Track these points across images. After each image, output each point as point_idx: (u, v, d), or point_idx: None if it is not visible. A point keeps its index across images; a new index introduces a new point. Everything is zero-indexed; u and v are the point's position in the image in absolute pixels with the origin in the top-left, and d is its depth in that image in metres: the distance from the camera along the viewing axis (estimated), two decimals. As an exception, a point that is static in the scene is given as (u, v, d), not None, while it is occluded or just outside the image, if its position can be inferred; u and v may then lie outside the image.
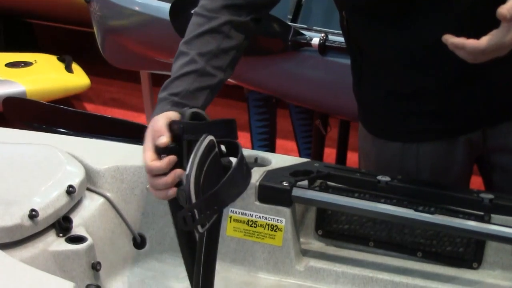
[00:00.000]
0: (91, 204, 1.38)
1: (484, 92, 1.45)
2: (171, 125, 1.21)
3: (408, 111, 1.49)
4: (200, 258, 1.19)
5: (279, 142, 2.87)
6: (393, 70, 1.47)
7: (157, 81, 3.25)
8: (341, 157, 2.69)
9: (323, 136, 2.59)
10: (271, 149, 2.76)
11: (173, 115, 1.25)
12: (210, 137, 1.14)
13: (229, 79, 2.69)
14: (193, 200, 1.08)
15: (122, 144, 1.52)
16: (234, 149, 1.17)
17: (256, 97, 2.78)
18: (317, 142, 2.61)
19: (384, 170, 1.48)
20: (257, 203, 1.41)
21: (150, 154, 1.21)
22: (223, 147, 1.19)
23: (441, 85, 1.45)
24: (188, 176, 1.09)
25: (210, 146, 1.14)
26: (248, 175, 1.18)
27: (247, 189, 1.37)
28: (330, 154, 2.85)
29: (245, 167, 1.15)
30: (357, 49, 1.51)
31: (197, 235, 1.16)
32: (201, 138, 1.13)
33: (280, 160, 1.50)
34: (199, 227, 1.10)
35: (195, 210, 1.08)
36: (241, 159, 1.13)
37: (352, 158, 2.96)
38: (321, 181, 1.46)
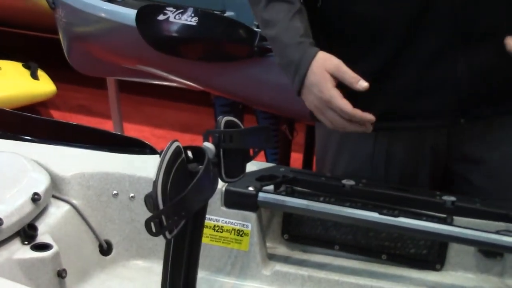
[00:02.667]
0: (57, 211, 1.38)
1: (463, 73, 1.43)
2: (208, 135, 1.23)
3: (383, 90, 1.46)
4: (166, 265, 1.20)
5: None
6: (370, 46, 1.46)
7: (124, 87, 3.26)
8: (308, 162, 2.71)
9: (289, 141, 2.62)
10: (238, 154, 2.77)
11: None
12: (177, 143, 1.15)
13: (195, 85, 2.71)
14: (161, 206, 1.09)
15: (87, 151, 1.52)
16: (201, 155, 1.18)
17: (223, 102, 2.79)
18: (284, 147, 2.63)
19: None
20: (223, 208, 1.42)
21: (346, 101, 1.37)
22: (190, 153, 1.20)
23: (420, 59, 1.44)
24: (155, 182, 1.09)
25: (177, 152, 1.15)
26: (215, 181, 1.19)
27: (214, 195, 1.40)
28: (297, 159, 2.87)
29: (211, 173, 1.16)
30: (328, 35, 1.51)
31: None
32: (168, 144, 1.14)
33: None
34: (166, 233, 1.10)
35: (163, 216, 1.08)
36: (208, 164, 1.14)
37: (319, 163, 2.98)
38: (287, 185, 1.47)
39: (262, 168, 1.51)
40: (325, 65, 1.40)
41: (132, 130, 3.48)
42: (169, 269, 1.19)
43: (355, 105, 1.38)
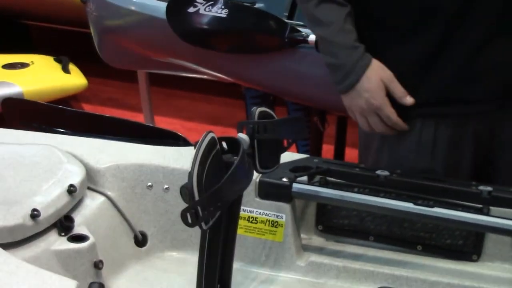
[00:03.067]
0: (92, 203, 1.39)
1: (508, 61, 1.46)
2: (242, 126, 1.25)
3: (431, 77, 1.49)
4: (202, 255, 1.20)
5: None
6: (418, 32, 1.47)
7: (154, 80, 3.28)
8: (339, 154, 2.70)
9: (321, 132, 2.60)
10: (270, 146, 2.77)
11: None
12: (212, 134, 1.15)
13: (226, 77, 2.71)
14: (196, 197, 1.09)
15: (121, 143, 1.53)
16: (236, 146, 1.18)
17: (253, 94, 2.79)
18: (315, 139, 2.62)
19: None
20: (258, 199, 1.42)
21: (393, 110, 1.48)
22: (224, 144, 1.20)
23: (467, 45, 1.46)
24: (191, 173, 1.10)
25: (212, 143, 1.15)
26: (250, 172, 1.19)
27: (247, 185, 1.40)
28: (328, 150, 2.86)
29: (246, 164, 1.16)
30: (374, 22, 1.53)
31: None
32: (203, 135, 1.14)
33: (279, 156, 1.50)
34: (202, 224, 1.10)
35: (198, 207, 1.08)
36: (243, 155, 1.14)
37: (350, 154, 2.97)
38: (321, 176, 1.47)
39: (295, 159, 1.50)
40: (380, 74, 1.48)
41: (162, 123, 3.50)
42: (205, 260, 1.20)
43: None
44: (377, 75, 1.48)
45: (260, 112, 1.27)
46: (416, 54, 1.49)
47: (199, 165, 1.10)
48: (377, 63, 1.49)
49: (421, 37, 1.48)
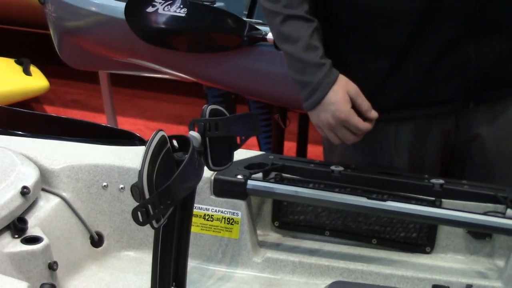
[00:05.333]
0: (47, 204, 1.38)
1: (474, 60, 1.48)
2: (193, 124, 1.25)
3: (396, 83, 1.51)
4: (156, 254, 1.20)
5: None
6: (382, 40, 1.49)
7: (118, 81, 3.27)
8: (302, 151, 2.72)
9: (282, 130, 2.62)
10: (232, 144, 2.77)
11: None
12: (162, 133, 1.15)
13: (187, 77, 2.71)
14: (147, 196, 1.09)
15: (76, 144, 1.52)
16: (186, 144, 1.18)
17: (215, 93, 2.79)
18: (277, 136, 2.63)
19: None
20: (213, 197, 1.42)
21: (361, 119, 1.47)
22: (175, 142, 1.20)
23: (431, 50, 1.48)
24: (141, 172, 1.10)
25: (162, 142, 1.15)
26: (201, 169, 1.19)
27: (202, 183, 1.41)
28: (291, 148, 2.88)
29: (196, 161, 1.16)
30: (339, 34, 1.54)
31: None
32: (153, 134, 1.14)
33: (235, 154, 1.51)
34: (154, 222, 1.11)
35: (149, 206, 1.09)
36: (192, 153, 1.14)
37: (313, 151, 2.99)
38: (276, 173, 1.48)
39: (251, 157, 1.51)
40: (346, 87, 1.48)
41: (126, 124, 3.49)
42: (159, 259, 1.20)
43: (369, 99, 1.49)
44: (343, 89, 1.48)
45: (212, 110, 1.28)
46: (380, 64, 1.51)
47: (149, 163, 1.11)
48: (343, 77, 1.49)
49: (384, 48, 1.50)
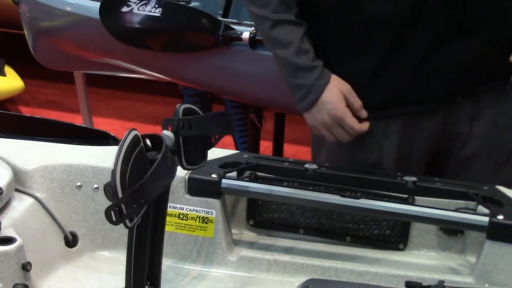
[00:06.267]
0: (20, 205, 1.38)
1: (458, 59, 1.51)
2: (166, 123, 1.25)
3: (382, 83, 1.54)
4: (130, 253, 1.20)
5: (216, 138, 2.88)
6: (368, 41, 1.52)
7: (94, 81, 3.25)
8: (278, 150, 2.73)
9: (258, 129, 2.63)
10: (208, 144, 2.78)
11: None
12: (135, 132, 1.15)
13: (162, 76, 2.71)
14: (120, 195, 1.09)
15: (50, 144, 1.52)
16: (160, 143, 1.18)
17: (191, 93, 2.80)
18: (253, 135, 2.64)
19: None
20: (188, 196, 1.43)
21: (355, 120, 1.52)
22: (148, 142, 1.20)
23: (416, 50, 1.50)
24: (114, 171, 1.10)
25: (135, 141, 1.15)
26: (174, 168, 1.20)
27: (177, 182, 1.41)
28: (267, 147, 2.88)
29: (169, 160, 1.16)
30: (325, 36, 1.56)
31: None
32: (126, 133, 1.14)
33: (209, 153, 1.51)
34: (127, 221, 1.11)
35: (122, 205, 1.09)
36: (165, 152, 1.14)
37: (289, 150, 3.01)
38: (250, 171, 1.48)
39: (225, 155, 1.52)
40: (339, 86, 1.52)
41: (102, 124, 3.48)
42: (133, 258, 1.20)
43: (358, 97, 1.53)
44: (336, 88, 1.51)
45: (185, 109, 1.28)
46: (367, 63, 1.54)
47: (122, 162, 1.11)
48: (335, 77, 1.53)
49: (370, 48, 1.53)
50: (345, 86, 1.53)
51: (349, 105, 1.52)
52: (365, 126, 1.54)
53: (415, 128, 1.57)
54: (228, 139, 2.94)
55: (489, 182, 1.46)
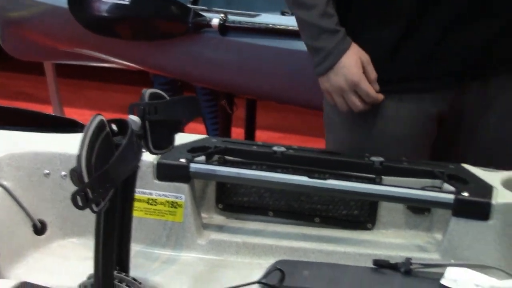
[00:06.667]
0: (-13, 194, 1.37)
1: (479, 37, 1.55)
2: (132, 108, 1.24)
3: (402, 50, 1.57)
4: (98, 238, 1.20)
5: (187, 125, 2.89)
6: (387, 17, 1.56)
7: (64, 72, 3.23)
8: (250, 136, 2.74)
9: (229, 115, 2.64)
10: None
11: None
12: (100, 117, 1.15)
13: (133, 65, 2.70)
14: (85, 180, 1.09)
15: (17, 133, 1.51)
16: (125, 128, 1.18)
17: (161, 81, 2.80)
18: (224, 122, 2.65)
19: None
20: (156, 181, 1.43)
21: (371, 86, 1.56)
22: (114, 126, 1.20)
23: (433, 29, 1.54)
24: (79, 156, 1.10)
25: (100, 126, 1.15)
26: (139, 152, 1.20)
27: (145, 168, 1.41)
28: (239, 134, 2.89)
29: (135, 144, 1.17)
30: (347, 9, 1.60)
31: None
32: (91, 118, 1.14)
33: (178, 138, 1.51)
34: (93, 206, 1.11)
35: (88, 190, 1.09)
36: (130, 136, 1.14)
37: (261, 137, 3.02)
38: (219, 156, 1.49)
39: (193, 140, 1.52)
40: (359, 54, 1.57)
41: (74, 115, 3.43)
42: (101, 243, 1.20)
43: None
44: (356, 55, 1.56)
45: (151, 94, 1.28)
46: (387, 36, 1.58)
47: (88, 147, 1.10)
48: (355, 45, 1.57)
49: (393, 18, 1.56)
50: (364, 54, 1.57)
51: (365, 74, 1.56)
52: (380, 96, 1.58)
53: (425, 109, 1.61)
54: (200, 126, 2.94)
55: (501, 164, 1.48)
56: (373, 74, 1.58)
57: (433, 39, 1.56)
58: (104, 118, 1.16)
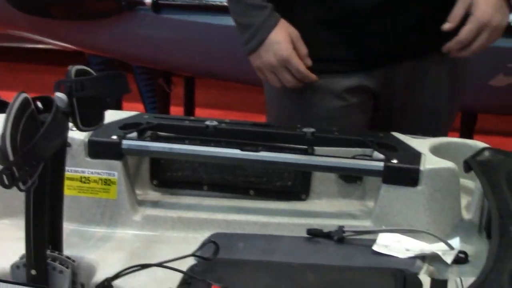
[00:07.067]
0: None
1: (415, 17, 1.58)
2: (59, 85, 1.22)
3: (335, 37, 1.59)
4: (29, 217, 1.19)
5: (126, 105, 2.87)
6: None
7: (-1, 55, 3.17)
8: (189, 115, 2.73)
9: (167, 94, 2.63)
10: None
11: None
12: (24, 95, 1.14)
13: (68, 45, 2.67)
14: (11, 158, 1.08)
15: None
16: (51, 105, 1.17)
17: (97, 61, 2.77)
18: (162, 100, 2.64)
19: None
20: (88, 159, 1.42)
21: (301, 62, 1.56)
22: (40, 104, 1.18)
23: (374, 7, 1.56)
24: (3, 135, 1.08)
25: (25, 103, 1.14)
26: (65, 128, 1.19)
27: (77, 146, 1.41)
28: (179, 112, 2.89)
29: (61, 121, 1.16)
30: None
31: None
32: (14, 96, 1.13)
33: (110, 115, 1.50)
34: (20, 184, 1.10)
35: (14, 168, 1.08)
36: (55, 113, 1.13)
37: (201, 114, 3.02)
38: (151, 132, 1.48)
39: (125, 117, 1.51)
40: (289, 30, 1.56)
41: (9, 98, 3.39)
42: (31, 222, 1.19)
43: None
44: (285, 30, 1.56)
45: (77, 70, 1.26)
46: (318, 16, 1.59)
47: (12, 125, 1.09)
48: (284, 21, 1.57)
49: (316, 3, 1.58)
50: (294, 31, 1.57)
51: (295, 50, 1.56)
52: (312, 75, 1.58)
53: (359, 83, 1.63)
54: (138, 105, 2.92)
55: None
56: (303, 49, 1.58)
57: (359, 22, 1.58)
58: (28, 96, 1.15)
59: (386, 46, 1.62)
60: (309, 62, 1.58)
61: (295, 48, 1.57)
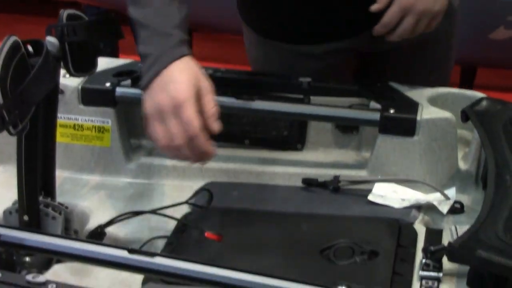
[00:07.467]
0: None
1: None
2: (50, 29, 1.19)
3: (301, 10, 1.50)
4: (21, 163, 1.18)
5: (124, 58, 2.84)
6: None
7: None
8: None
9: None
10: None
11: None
12: (14, 38, 1.12)
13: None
14: (0, 101, 1.06)
15: None
16: (41, 49, 1.15)
17: (94, 12, 2.73)
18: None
19: None
20: (81, 106, 1.40)
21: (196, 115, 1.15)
22: (30, 48, 1.16)
23: None
24: (-7, 78, 1.07)
25: (15, 47, 1.11)
26: (56, 72, 1.17)
27: (70, 93, 1.39)
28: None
29: (51, 64, 1.14)
30: None
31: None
32: (4, 39, 1.11)
33: (104, 63, 1.48)
34: (10, 128, 1.08)
35: (4, 111, 1.06)
36: (46, 56, 1.12)
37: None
38: (146, 79, 1.46)
39: (120, 65, 1.49)
40: (194, 72, 1.19)
41: None
42: (23, 167, 1.18)
43: None
44: (188, 70, 1.19)
45: (69, 15, 1.24)
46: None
47: (2, 69, 1.07)
48: (192, 61, 1.20)
49: None
50: (204, 79, 1.19)
51: (201, 107, 1.17)
52: (211, 147, 1.19)
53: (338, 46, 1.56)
54: (136, 58, 2.89)
55: None
56: (210, 108, 1.18)
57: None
58: (18, 39, 1.13)
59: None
60: (215, 127, 1.18)
61: (200, 101, 1.17)
